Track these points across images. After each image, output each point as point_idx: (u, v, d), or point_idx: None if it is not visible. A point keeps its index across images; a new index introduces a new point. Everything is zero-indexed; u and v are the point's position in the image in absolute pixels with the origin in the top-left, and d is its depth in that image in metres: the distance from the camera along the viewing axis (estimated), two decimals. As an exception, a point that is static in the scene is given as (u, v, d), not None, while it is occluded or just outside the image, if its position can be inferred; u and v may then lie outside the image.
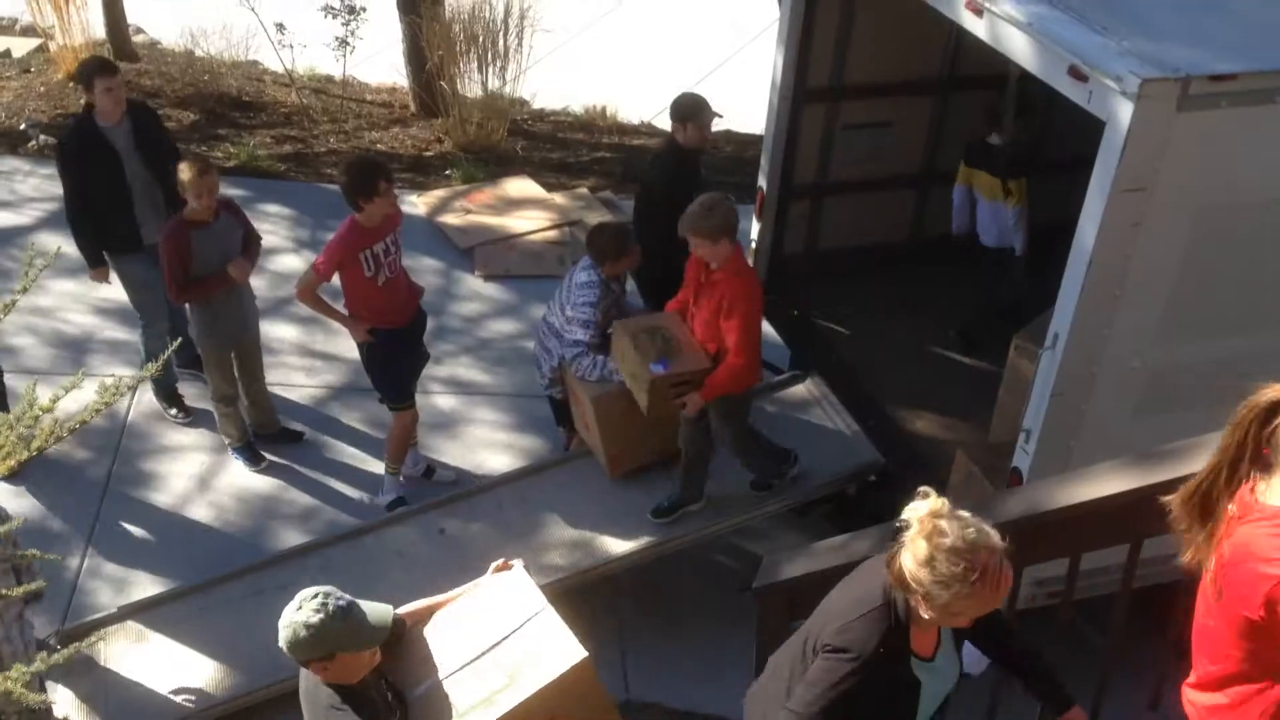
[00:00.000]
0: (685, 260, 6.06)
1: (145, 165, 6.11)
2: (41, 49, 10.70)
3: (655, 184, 6.23)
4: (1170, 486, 3.48)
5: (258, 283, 6.50)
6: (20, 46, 10.94)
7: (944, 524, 2.72)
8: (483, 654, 3.28)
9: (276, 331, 7.22)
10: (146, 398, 6.68)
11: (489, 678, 3.20)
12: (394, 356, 5.91)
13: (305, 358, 7.19)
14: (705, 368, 5.19)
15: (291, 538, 5.93)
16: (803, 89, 6.24)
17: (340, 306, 5.82)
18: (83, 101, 6.27)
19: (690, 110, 6.03)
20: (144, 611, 5.39)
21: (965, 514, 2.78)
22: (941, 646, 3.02)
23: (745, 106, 9.33)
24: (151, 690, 5.09)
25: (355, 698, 3.08)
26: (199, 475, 6.33)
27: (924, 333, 6.38)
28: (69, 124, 6.25)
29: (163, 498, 6.18)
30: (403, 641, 3.42)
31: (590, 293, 5.64)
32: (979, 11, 4.70)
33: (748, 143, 9.59)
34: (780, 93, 6.19)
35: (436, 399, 6.86)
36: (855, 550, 3.84)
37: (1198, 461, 3.47)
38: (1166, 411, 4.55)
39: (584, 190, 8.91)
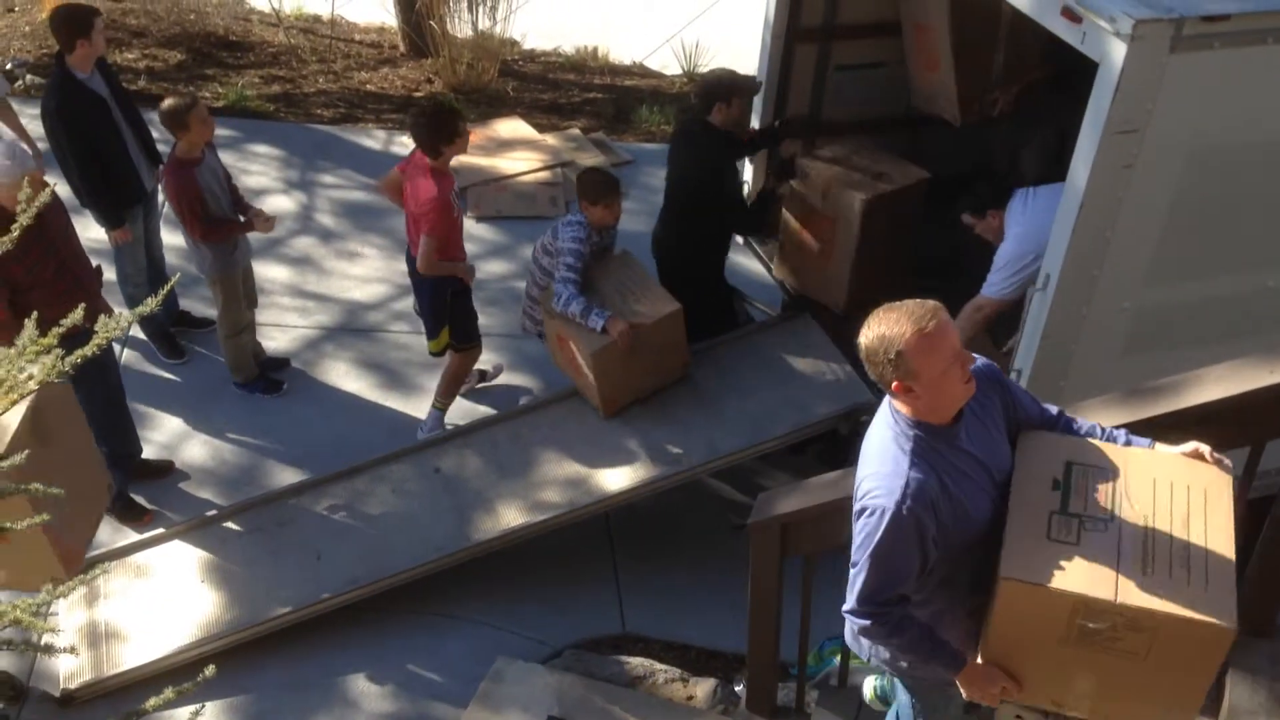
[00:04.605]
0: (716, 266, 6.10)
1: (125, 113, 6.05)
2: (25, -13, 10.57)
3: (695, 176, 5.87)
4: (1157, 421, 3.56)
5: (250, 223, 6.50)
6: (3, -15, 10.81)
7: None
8: None
9: (269, 273, 7.22)
10: (138, 342, 6.70)
11: None
12: (468, 296, 6.05)
13: (298, 298, 7.19)
14: None
15: (287, 476, 5.97)
16: (795, 29, 6.21)
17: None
18: (57, 52, 5.86)
19: (731, 86, 5.81)
20: (144, 549, 5.46)
21: None
22: None
23: (738, 47, 9.26)
24: (150, 625, 5.17)
25: None
26: (192, 416, 6.36)
27: (916, 274, 6.40)
28: (48, 85, 5.93)
29: (157, 436, 6.20)
30: None
31: (579, 229, 5.67)
32: (974, -48, 4.68)
33: (739, 84, 9.54)
34: (773, 31, 6.15)
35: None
36: (848, 486, 3.89)
37: (1184, 397, 3.55)
38: (1155, 350, 4.61)
39: (576, 131, 8.88)
